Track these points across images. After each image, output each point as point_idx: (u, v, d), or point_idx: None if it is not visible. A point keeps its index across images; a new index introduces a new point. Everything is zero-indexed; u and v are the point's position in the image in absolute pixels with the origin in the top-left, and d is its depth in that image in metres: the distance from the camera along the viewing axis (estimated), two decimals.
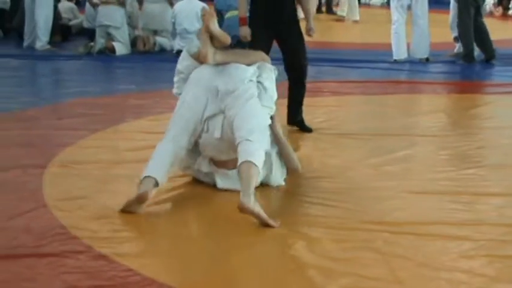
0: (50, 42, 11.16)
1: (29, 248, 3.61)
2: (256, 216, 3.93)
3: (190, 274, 3.45)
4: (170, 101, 5.61)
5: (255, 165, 4.10)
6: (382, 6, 19.97)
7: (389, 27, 10.42)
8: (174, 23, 10.57)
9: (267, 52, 5.35)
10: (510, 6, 18.12)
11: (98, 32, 10.79)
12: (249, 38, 5.97)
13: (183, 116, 4.51)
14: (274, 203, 4.51)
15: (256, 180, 4.11)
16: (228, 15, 9.84)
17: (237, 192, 4.06)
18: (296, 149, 5.32)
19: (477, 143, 5.91)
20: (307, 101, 6.27)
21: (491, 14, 17.25)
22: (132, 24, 11.23)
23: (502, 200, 4.53)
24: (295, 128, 6.18)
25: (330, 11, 17.18)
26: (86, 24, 11.87)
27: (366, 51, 11.52)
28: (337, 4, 17.43)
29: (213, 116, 4.47)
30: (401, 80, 9.14)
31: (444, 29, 11.27)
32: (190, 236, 3.98)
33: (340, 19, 16.39)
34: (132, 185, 4.25)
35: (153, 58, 10.50)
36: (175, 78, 4.73)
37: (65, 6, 12.63)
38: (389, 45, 10.34)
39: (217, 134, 4.44)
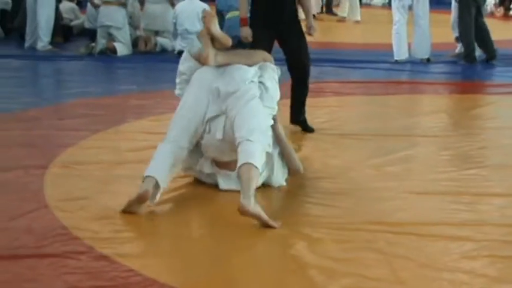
0: (52, 43, 11.17)
1: (31, 249, 3.61)
2: (257, 218, 3.93)
3: (192, 274, 3.44)
4: (171, 102, 5.62)
5: (255, 167, 4.09)
6: (383, 6, 19.97)
7: (391, 28, 10.42)
8: (175, 24, 10.57)
9: (268, 52, 5.35)
10: (511, 6, 18.10)
11: (99, 33, 10.79)
12: (250, 39, 5.96)
13: (184, 116, 4.51)
14: (275, 203, 4.51)
15: (256, 182, 4.11)
16: (228, 15, 9.83)
17: (238, 192, 4.05)
18: (297, 150, 5.32)
19: (479, 144, 5.91)
20: (308, 101, 6.27)
21: (492, 14, 17.23)
22: (133, 24, 11.23)
23: (503, 200, 4.53)
24: (297, 127, 6.18)
25: (329, 11, 17.15)
26: (87, 25, 11.87)
27: (367, 52, 11.51)
28: (338, 5, 17.41)
29: (215, 117, 4.46)
30: (402, 81, 9.15)
31: (445, 29, 11.27)
32: (192, 236, 3.98)
33: (341, 20, 16.38)
34: (133, 186, 4.25)
35: (154, 58, 10.50)
36: (178, 80, 4.73)
37: (66, 6, 12.63)
38: (391, 45, 10.34)
39: (219, 135, 4.44)
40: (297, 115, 6.20)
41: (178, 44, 10.53)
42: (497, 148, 5.82)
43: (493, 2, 17.99)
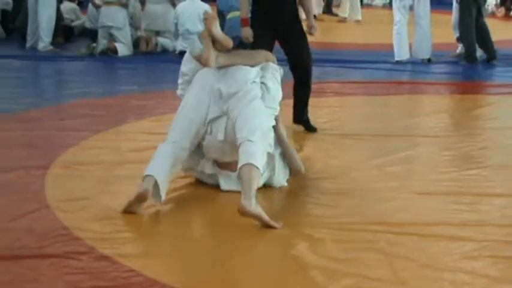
0: (53, 43, 11.17)
1: (32, 249, 3.61)
2: (258, 218, 3.92)
3: (193, 275, 3.44)
4: (172, 102, 5.62)
5: (256, 168, 4.08)
6: (384, 6, 19.96)
7: (392, 28, 10.42)
8: (176, 24, 10.57)
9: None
10: None
11: (100, 33, 10.79)
12: (251, 39, 5.96)
13: (185, 117, 4.51)
14: (276, 203, 4.51)
15: (257, 183, 4.10)
16: (229, 16, 9.84)
17: (239, 193, 4.04)
18: (299, 150, 5.31)
19: (480, 144, 5.91)
20: (310, 101, 6.26)
21: (493, 14, 17.23)
22: (134, 25, 11.23)
23: (505, 200, 4.53)
24: (300, 127, 6.19)
25: (329, 11, 17.13)
26: (88, 25, 11.88)
27: (368, 52, 11.51)
28: (339, 5, 17.38)
29: (217, 118, 4.46)
30: (403, 81, 9.15)
31: (446, 30, 11.26)
32: (193, 236, 3.98)
33: (342, 20, 16.37)
34: (134, 186, 4.24)
35: (155, 59, 10.50)
36: (180, 80, 4.74)
37: (66, 7, 12.63)
38: (392, 45, 10.34)
39: (220, 136, 4.44)
40: (300, 115, 6.21)
41: (179, 45, 10.53)
42: (498, 148, 5.81)
43: (493, 2, 17.98)
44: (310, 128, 6.18)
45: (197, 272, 3.47)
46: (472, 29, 10.05)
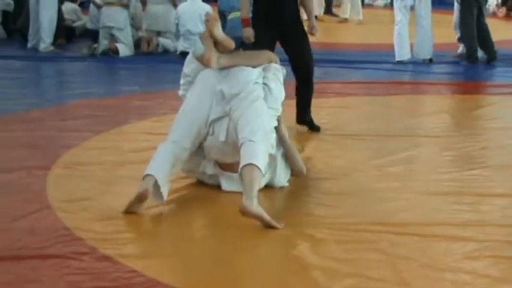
0: (54, 44, 11.17)
1: (33, 250, 3.61)
2: (259, 218, 3.92)
3: (194, 275, 3.45)
4: (174, 102, 5.63)
5: (258, 168, 4.08)
6: (385, 7, 19.95)
7: (393, 28, 10.41)
8: (177, 24, 10.57)
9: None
10: None
11: (102, 34, 10.80)
12: (252, 40, 5.97)
13: (186, 117, 4.52)
14: (278, 204, 4.51)
15: (259, 183, 4.10)
16: (230, 16, 9.83)
17: (241, 194, 4.05)
18: (300, 150, 5.32)
19: (481, 144, 5.91)
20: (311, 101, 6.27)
21: (494, 14, 17.22)
22: (135, 25, 11.24)
23: (506, 200, 4.53)
24: (303, 128, 6.19)
25: (329, 12, 17.11)
26: (89, 25, 11.87)
27: (369, 52, 11.51)
28: (339, 6, 17.37)
29: (218, 119, 4.46)
30: (404, 81, 9.14)
31: (447, 30, 11.26)
32: (194, 237, 3.98)
33: (343, 21, 16.35)
34: (136, 186, 4.24)
35: (156, 59, 10.50)
36: (182, 81, 4.74)
37: (68, 7, 12.62)
38: (393, 46, 10.32)
39: (222, 137, 4.44)
40: (303, 115, 6.21)
41: (180, 45, 10.54)
42: (499, 148, 5.81)
43: (495, 2, 17.96)
44: (313, 128, 6.19)
45: (198, 272, 3.47)
46: (473, 29, 10.05)
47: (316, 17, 7.94)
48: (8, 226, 3.93)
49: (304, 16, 6.39)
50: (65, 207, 4.23)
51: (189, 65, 4.70)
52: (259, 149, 4.18)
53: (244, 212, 3.89)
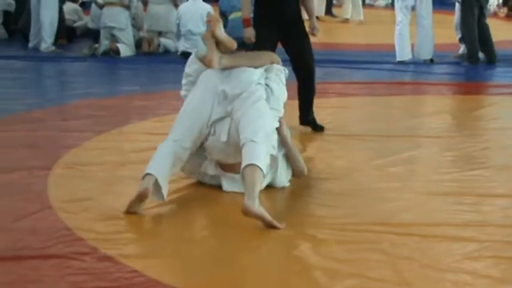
0: (55, 44, 11.18)
1: (34, 250, 3.61)
2: (261, 219, 3.92)
3: (195, 275, 3.45)
4: (175, 103, 5.63)
5: (260, 169, 4.08)
6: (386, 7, 19.95)
7: (394, 28, 10.40)
8: (178, 25, 10.57)
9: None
10: None
11: (103, 34, 10.80)
12: (253, 40, 5.96)
13: (187, 117, 4.52)
14: (279, 204, 4.51)
15: (261, 183, 4.11)
16: (231, 16, 9.85)
17: (242, 194, 4.05)
18: (301, 150, 5.33)
19: (482, 144, 5.91)
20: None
21: (495, 14, 17.21)
22: (136, 25, 11.24)
23: (507, 201, 4.53)
24: (307, 128, 6.19)
25: (329, 12, 17.10)
26: (91, 25, 11.87)
27: (370, 53, 11.52)
28: (341, 6, 17.36)
29: (220, 119, 4.46)
30: (405, 81, 9.14)
31: (449, 30, 11.26)
32: (195, 237, 3.98)
33: (345, 21, 16.35)
34: (137, 187, 4.24)
35: (157, 59, 10.51)
36: (184, 81, 4.74)
37: (68, 7, 12.63)
38: (394, 46, 10.32)
39: (223, 137, 4.44)
40: (306, 116, 6.21)
41: (181, 45, 10.54)
42: (500, 149, 5.82)
43: (495, 2, 17.96)
44: (317, 128, 6.19)
45: (200, 272, 3.47)
46: (475, 30, 10.04)
47: (317, 17, 7.94)
48: (9, 226, 3.93)
49: (305, 16, 6.39)
50: (66, 207, 4.23)
51: (192, 66, 4.70)
52: (261, 150, 4.18)
53: (246, 212, 3.90)
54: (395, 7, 10.51)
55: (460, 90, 8.78)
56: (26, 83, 8.65)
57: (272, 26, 5.96)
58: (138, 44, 11.12)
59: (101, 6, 11.00)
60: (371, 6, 20.33)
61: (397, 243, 3.78)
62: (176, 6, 11.02)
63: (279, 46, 6.10)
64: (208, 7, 10.52)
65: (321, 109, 6.69)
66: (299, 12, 6.12)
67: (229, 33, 4.79)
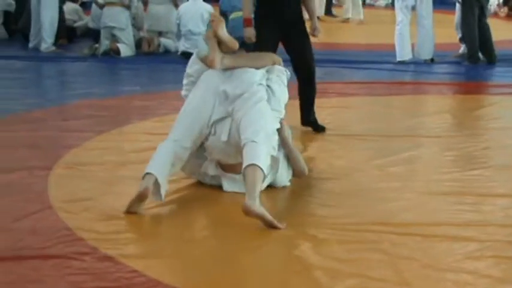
0: (56, 44, 11.18)
1: (35, 250, 3.61)
2: (262, 218, 3.92)
3: (196, 276, 3.45)
4: (175, 103, 5.63)
5: (260, 169, 4.08)
6: (386, 7, 19.96)
7: (394, 28, 10.40)
8: (178, 25, 10.57)
9: (273, 53, 5.34)
10: None
11: (103, 34, 10.80)
12: (253, 39, 5.96)
13: (188, 117, 4.52)
14: (280, 204, 4.51)
15: (261, 183, 4.11)
16: (232, 16, 9.84)
17: (242, 194, 4.05)
18: (302, 150, 5.33)
19: (483, 144, 5.91)
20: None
21: (495, 14, 17.21)
22: (136, 25, 11.24)
23: (508, 201, 4.52)
24: (308, 128, 6.18)
25: (329, 12, 17.10)
26: (91, 25, 11.86)
27: (370, 52, 11.52)
28: (341, 6, 17.35)
29: (221, 119, 4.46)
30: (406, 81, 9.14)
31: (449, 30, 11.26)
32: (196, 237, 3.98)
33: (345, 21, 16.36)
34: (137, 187, 4.24)
35: (157, 59, 10.51)
36: (185, 81, 4.74)
37: (69, 7, 12.63)
38: (394, 46, 10.31)
39: (224, 137, 4.44)
40: (307, 116, 6.21)
41: (181, 45, 10.54)
42: (501, 148, 5.81)
43: (496, 2, 17.95)
44: (318, 128, 6.18)
45: (200, 272, 3.47)
46: (475, 30, 10.04)
47: (318, 17, 7.94)
48: (9, 226, 3.93)
49: (305, 16, 6.39)
50: (66, 207, 4.23)
51: (193, 66, 4.69)
52: (262, 150, 4.18)
53: (247, 212, 3.90)
54: (396, 7, 10.50)
55: (461, 89, 8.77)
56: (26, 83, 8.65)
57: (272, 26, 5.96)
58: (138, 44, 11.12)
59: (101, 6, 11.00)
60: (371, 6, 20.34)
61: (397, 243, 3.78)
62: (176, 6, 11.02)
63: (280, 46, 6.09)
64: (208, 7, 10.52)
65: (321, 109, 6.69)
66: (300, 12, 6.12)
67: (229, 33, 4.78)
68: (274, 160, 4.43)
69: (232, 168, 4.53)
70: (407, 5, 10.24)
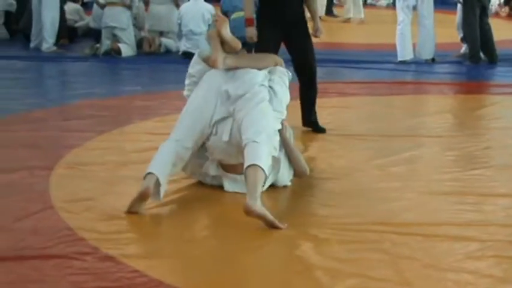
0: (57, 44, 11.18)
1: (36, 250, 3.62)
2: (263, 218, 3.92)
3: (197, 275, 3.45)
4: (176, 102, 5.63)
5: (262, 169, 4.08)
6: (387, 7, 19.95)
7: (395, 28, 10.39)
8: (180, 25, 10.57)
9: (275, 53, 5.35)
10: None
11: (104, 34, 10.81)
12: (255, 39, 5.95)
13: (190, 116, 4.52)
14: (281, 204, 4.51)
15: (262, 184, 4.11)
16: (233, 16, 9.82)
17: (243, 194, 4.06)
18: (303, 150, 5.33)
19: (484, 144, 5.90)
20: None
21: (497, 14, 17.20)
22: (138, 25, 11.24)
23: (509, 200, 4.52)
24: (309, 129, 6.18)
25: (329, 12, 17.10)
26: (92, 24, 11.87)
27: (371, 52, 11.51)
28: (341, 6, 17.36)
29: (222, 119, 4.46)
30: (407, 81, 9.14)
31: (450, 30, 11.25)
32: (197, 237, 3.98)
33: (346, 20, 16.36)
34: (138, 187, 4.25)
35: (158, 59, 10.51)
36: (187, 81, 4.74)
37: (70, 7, 12.64)
38: (395, 45, 10.31)
39: (225, 137, 4.44)
40: (308, 117, 6.21)
41: (182, 45, 10.53)
42: (502, 148, 5.81)
43: (497, 1, 17.95)
44: (318, 129, 6.18)
45: (201, 272, 3.47)
46: (476, 29, 10.03)
47: (319, 17, 7.94)
48: (10, 226, 3.93)
49: (307, 15, 6.38)
50: (67, 207, 4.23)
51: (195, 66, 4.69)
52: (263, 151, 4.18)
53: (248, 212, 3.90)
54: (397, 7, 10.50)
55: (462, 89, 8.77)
56: (27, 83, 8.65)
57: (274, 27, 5.95)
58: (139, 44, 11.12)
59: (102, 6, 11.00)
60: (373, 5, 20.34)
61: (398, 242, 3.78)
62: (177, 6, 11.03)
63: (282, 46, 6.09)
64: (209, 7, 10.53)
65: (322, 109, 6.69)
66: (302, 12, 6.11)
67: (231, 33, 4.78)
68: (275, 160, 4.43)
69: (233, 168, 4.53)
70: (409, 4, 10.23)
